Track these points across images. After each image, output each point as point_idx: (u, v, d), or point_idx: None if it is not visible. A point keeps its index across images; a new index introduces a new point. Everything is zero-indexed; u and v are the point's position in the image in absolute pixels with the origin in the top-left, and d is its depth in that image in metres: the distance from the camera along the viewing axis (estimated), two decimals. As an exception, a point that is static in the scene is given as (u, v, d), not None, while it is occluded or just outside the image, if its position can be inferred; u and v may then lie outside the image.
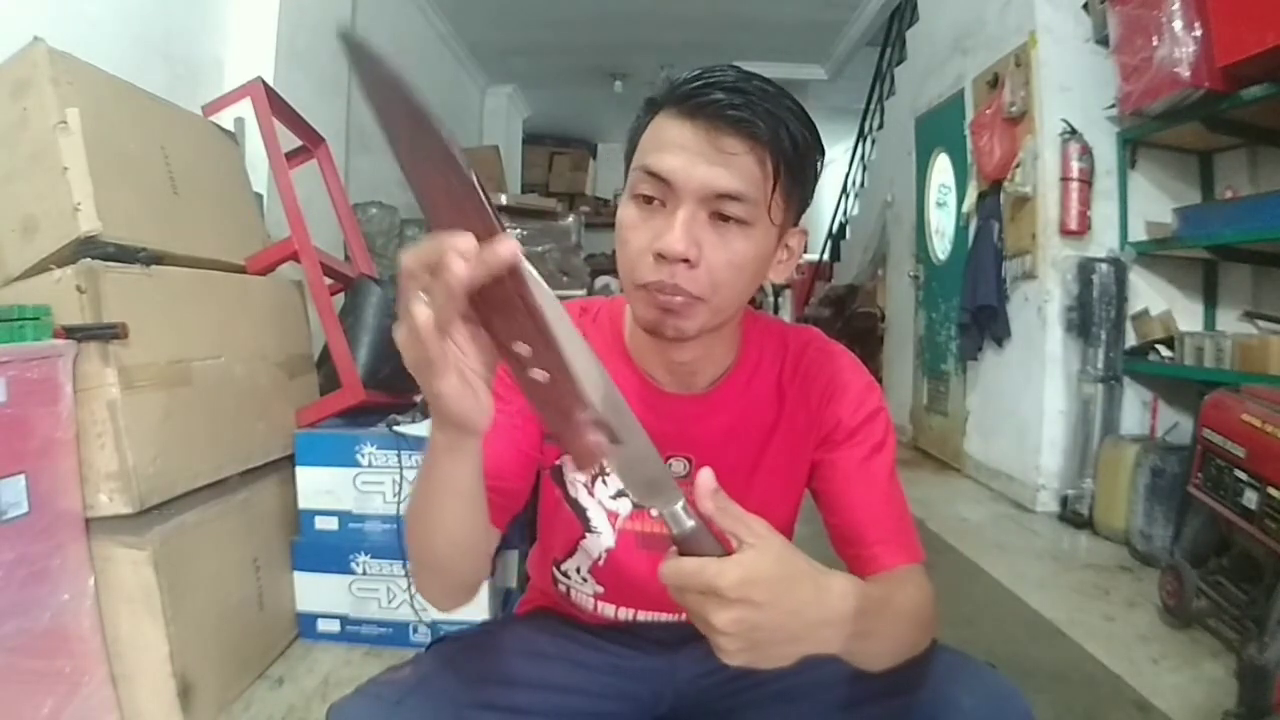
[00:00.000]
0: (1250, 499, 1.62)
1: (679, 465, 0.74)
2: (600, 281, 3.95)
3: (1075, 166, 2.72)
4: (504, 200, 3.34)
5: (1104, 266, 2.67)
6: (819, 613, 0.52)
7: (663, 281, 0.62)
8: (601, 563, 0.77)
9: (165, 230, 1.50)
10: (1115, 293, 2.67)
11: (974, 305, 3.18)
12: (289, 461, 1.72)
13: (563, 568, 0.80)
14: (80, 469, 1.25)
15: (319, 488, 1.69)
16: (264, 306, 1.77)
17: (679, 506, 0.50)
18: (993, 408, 3.29)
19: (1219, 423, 1.78)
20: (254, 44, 2.58)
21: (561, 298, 0.48)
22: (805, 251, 0.76)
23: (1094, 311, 2.67)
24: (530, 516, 0.83)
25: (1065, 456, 2.81)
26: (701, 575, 0.48)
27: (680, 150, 0.62)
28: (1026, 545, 2.55)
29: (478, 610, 1.53)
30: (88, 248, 1.31)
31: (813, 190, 0.68)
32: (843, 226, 6.96)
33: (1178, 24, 2.21)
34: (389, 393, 1.84)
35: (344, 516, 1.69)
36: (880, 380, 3.55)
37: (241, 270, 1.76)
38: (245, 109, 1.97)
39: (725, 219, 0.63)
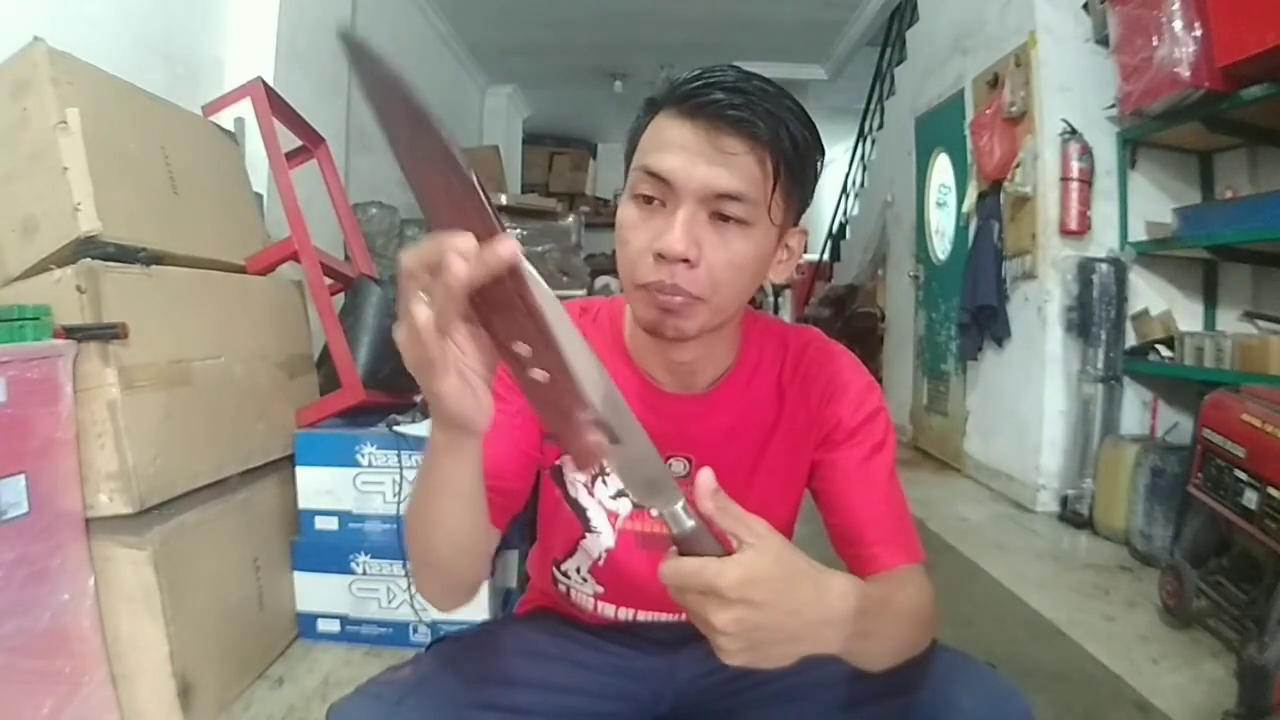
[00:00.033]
0: (1250, 499, 1.62)
1: (679, 465, 0.74)
2: (600, 281, 3.95)
3: (1075, 166, 2.72)
4: (504, 200, 3.34)
5: (1104, 266, 2.67)
6: (819, 612, 0.52)
7: (663, 281, 0.62)
8: (601, 563, 0.77)
9: (165, 230, 1.50)
10: (1115, 293, 2.67)
11: (974, 305, 3.18)
12: (289, 461, 1.72)
13: (563, 568, 0.80)
14: (80, 469, 1.25)
15: (319, 488, 1.69)
16: (264, 306, 1.77)
17: (679, 506, 0.50)
18: (993, 408, 3.29)
19: (1219, 423, 1.78)
20: (254, 44, 2.57)
21: (561, 298, 0.47)
22: (805, 251, 0.76)
23: (1094, 311, 2.67)
24: (530, 516, 0.83)
25: (1065, 456, 2.81)
26: (702, 575, 0.48)
27: (680, 150, 0.62)
28: (1026, 545, 2.55)
29: (478, 610, 1.53)
30: (88, 248, 1.31)
31: (813, 190, 0.68)
32: (843, 226, 6.96)
33: (1178, 24, 2.21)
34: (389, 393, 1.84)
35: (344, 516, 1.69)
36: (880, 380, 3.55)
37: (241, 270, 1.76)
38: (245, 109, 1.97)
39: (725, 219, 0.63)
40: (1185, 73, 2.20)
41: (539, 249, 3.16)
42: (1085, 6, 2.82)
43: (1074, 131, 2.74)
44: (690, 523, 0.50)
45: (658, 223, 0.63)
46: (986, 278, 3.12)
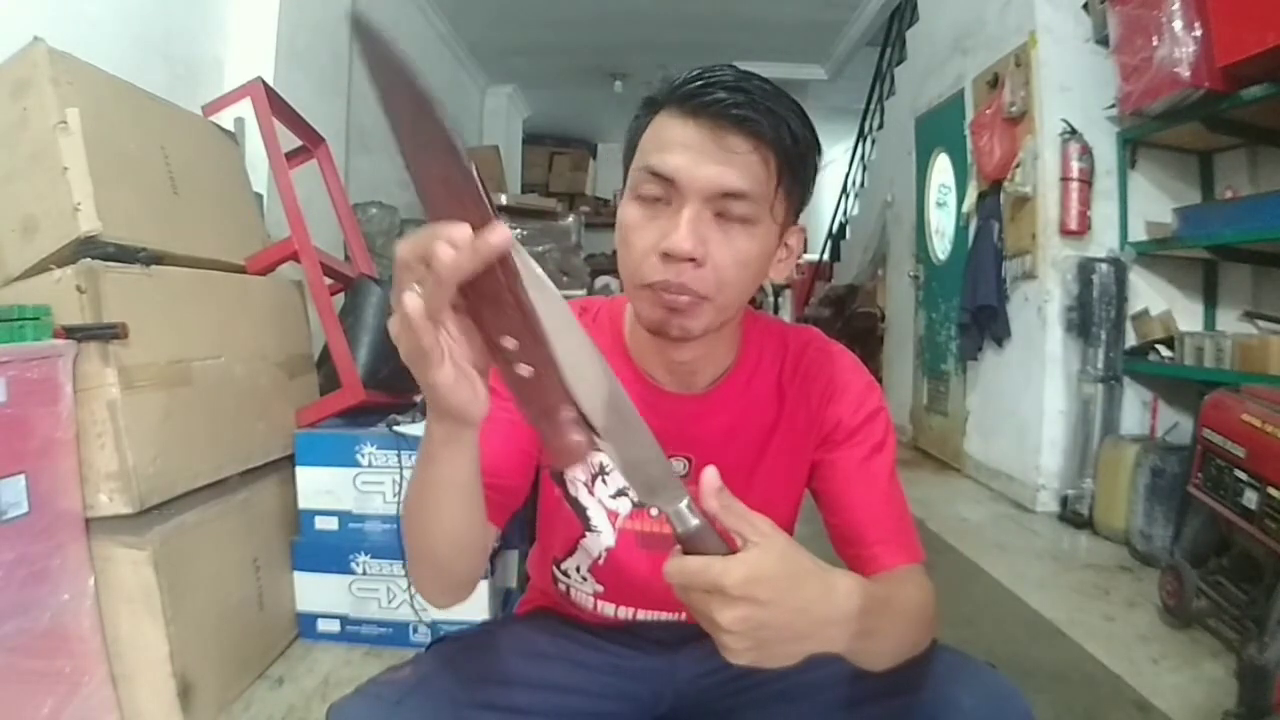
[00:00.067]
0: (1250, 499, 1.62)
1: (679, 465, 0.74)
2: (600, 281, 3.95)
3: (1075, 166, 2.72)
4: (504, 200, 3.35)
5: (1104, 266, 2.67)
6: (824, 611, 0.52)
7: (669, 281, 0.62)
8: (601, 562, 0.77)
9: (165, 230, 1.50)
10: (1115, 293, 2.67)
11: (974, 305, 3.18)
12: (289, 461, 1.72)
13: (563, 567, 0.80)
14: (80, 469, 1.25)
15: (319, 488, 1.69)
16: (264, 306, 1.77)
17: (683, 505, 0.50)
18: (993, 408, 3.29)
19: (1219, 423, 1.78)
20: (254, 44, 2.58)
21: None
22: (804, 250, 0.76)
23: (1094, 311, 2.67)
24: (530, 516, 0.83)
25: (1065, 456, 2.81)
26: (706, 574, 0.48)
27: (684, 149, 0.62)
28: (1026, 545, 2.55)
29: (477, 610, 1.54)
30: (88, 248, 1.31)
31: (811, 188, 0.69)
32: (843, 226, 6.95)
33: (1178, 24, 2.21)
34: (389, 393, 1.84)
35: (344, 516, 1.69)
36: (880, 380, 3.55)
37: (241, 270, 1.76)
38: (245, 109, 1.97)
39: (730, 218, 0.63)
40: (1185, 73, 2.20)
41: (539, 249, 3.16)
42: (1085, 6, 2.82)
43: (1074, 131, 2.74)
44: (695, 521, 0.50)
45: (662, 222, 0.63)
46: (986, 278, 3.12)
